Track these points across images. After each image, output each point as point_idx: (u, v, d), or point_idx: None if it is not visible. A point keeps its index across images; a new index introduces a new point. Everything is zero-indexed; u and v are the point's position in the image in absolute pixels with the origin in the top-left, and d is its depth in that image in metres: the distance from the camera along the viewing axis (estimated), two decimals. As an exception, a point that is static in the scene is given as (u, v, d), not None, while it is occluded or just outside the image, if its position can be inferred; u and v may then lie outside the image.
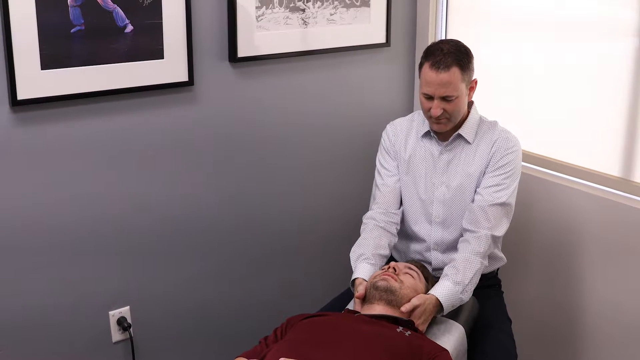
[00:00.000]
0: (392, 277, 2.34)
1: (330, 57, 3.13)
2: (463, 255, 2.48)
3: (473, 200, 2.57)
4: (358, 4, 3.14)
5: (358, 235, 2.67)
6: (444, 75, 2.44)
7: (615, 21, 2.70)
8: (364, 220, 2.70)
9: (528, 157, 3.00)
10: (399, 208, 2.70)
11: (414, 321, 2.29)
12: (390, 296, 2.30)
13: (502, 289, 2.75)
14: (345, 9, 3.10)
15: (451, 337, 2.38)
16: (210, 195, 2.95)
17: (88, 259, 2.71)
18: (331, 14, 3.07)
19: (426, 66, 2.49)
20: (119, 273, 2.80)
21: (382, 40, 3.26)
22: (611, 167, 2.76)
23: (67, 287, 2.69)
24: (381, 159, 2.76)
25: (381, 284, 2.33)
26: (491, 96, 3.13)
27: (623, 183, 2.72)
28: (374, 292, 2.34)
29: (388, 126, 2.78)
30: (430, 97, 2.49)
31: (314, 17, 3.03)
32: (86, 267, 2.72)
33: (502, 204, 2.53)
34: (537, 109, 2.99)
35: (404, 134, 2.71)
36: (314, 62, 3.10)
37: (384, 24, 3.24)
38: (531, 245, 2.99)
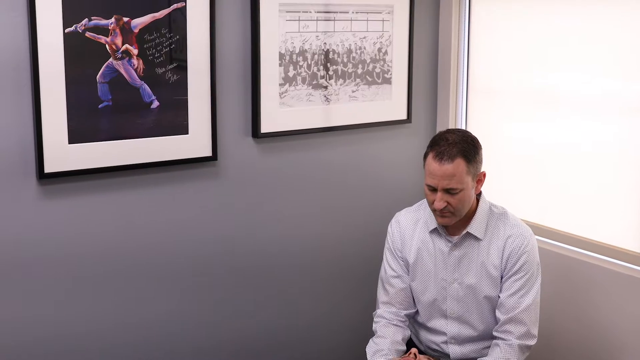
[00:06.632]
0: None
1: (352, 133, 3.18)
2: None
3: (495, 305, 2.50)
4: (379, 81, 3.20)
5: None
6: (447, 167, 2.36)
7: (633, 97, 2.72)
8: (375, 318, 2.66)
9: (547, 232, 3.00)
10: (407, 309, 2.63)
11: None
12: None
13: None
14: (367, 86, 3.16)
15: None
16: (231, 266, 2.97)
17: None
18: (353, 91, 3.13)
19: (430, 156, 2.41)
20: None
21: (404, 116, 3.31)
22: (631, 242, 2.75)
23: None
24: (388, 255, 2.67)
25: None
26: (511, 173, 3.15)
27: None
28: None
29: (393, 222, 2.69)
30: (434, 189, 2.41)
31: (336, 94, 3.09)
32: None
33: (531, 304, 2.46)
34: (557, 185, 3.00)
35: (410, 231, 2.63)
36: (336, 139, 3.15)
37: (405, 101, 3.29)
38: (551, 320, 2.96)
